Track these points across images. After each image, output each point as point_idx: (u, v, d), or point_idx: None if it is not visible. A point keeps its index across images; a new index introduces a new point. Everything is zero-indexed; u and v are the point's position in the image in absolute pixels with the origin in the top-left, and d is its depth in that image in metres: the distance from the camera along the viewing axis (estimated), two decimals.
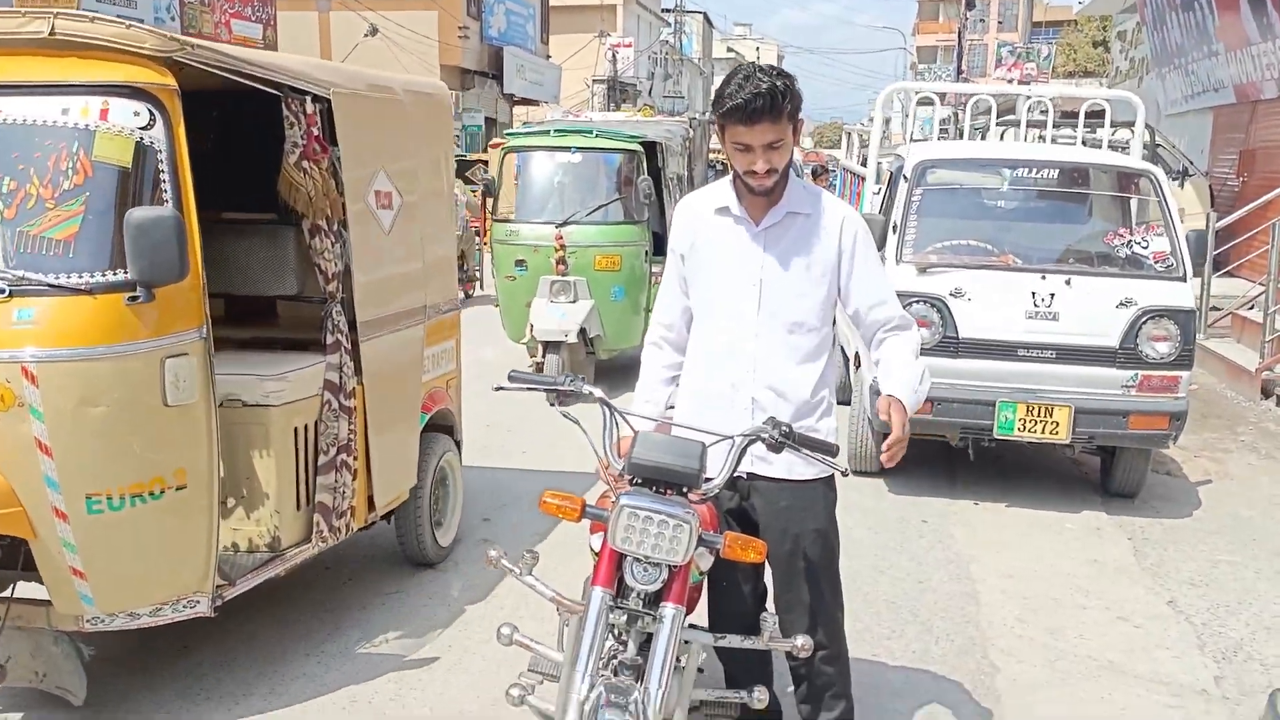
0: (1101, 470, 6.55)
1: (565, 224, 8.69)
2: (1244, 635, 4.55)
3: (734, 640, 2.95)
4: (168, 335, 3.26)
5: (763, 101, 2.77)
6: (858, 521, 5.51)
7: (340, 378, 4.02)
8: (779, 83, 2.80)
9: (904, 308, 5.99)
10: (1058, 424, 5.85)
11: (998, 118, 9.19)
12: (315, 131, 3.87)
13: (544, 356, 8.50)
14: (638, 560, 2.63)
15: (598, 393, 2.88)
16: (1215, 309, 10.99)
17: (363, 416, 4.20)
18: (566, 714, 2.56)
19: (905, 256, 6.12)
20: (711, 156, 16.64)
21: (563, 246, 8.61)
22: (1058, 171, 6.72)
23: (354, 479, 4.12)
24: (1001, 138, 10.18)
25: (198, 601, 3.42)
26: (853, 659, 3.35)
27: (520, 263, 8.87)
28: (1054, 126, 8.87)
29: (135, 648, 4.02)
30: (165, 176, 3.25)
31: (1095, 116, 8.51)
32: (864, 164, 10.16)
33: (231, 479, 3.81)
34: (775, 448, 2.75)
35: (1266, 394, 8.88)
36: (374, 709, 3.75)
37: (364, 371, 4.17)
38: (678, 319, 3.22)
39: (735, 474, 2.85)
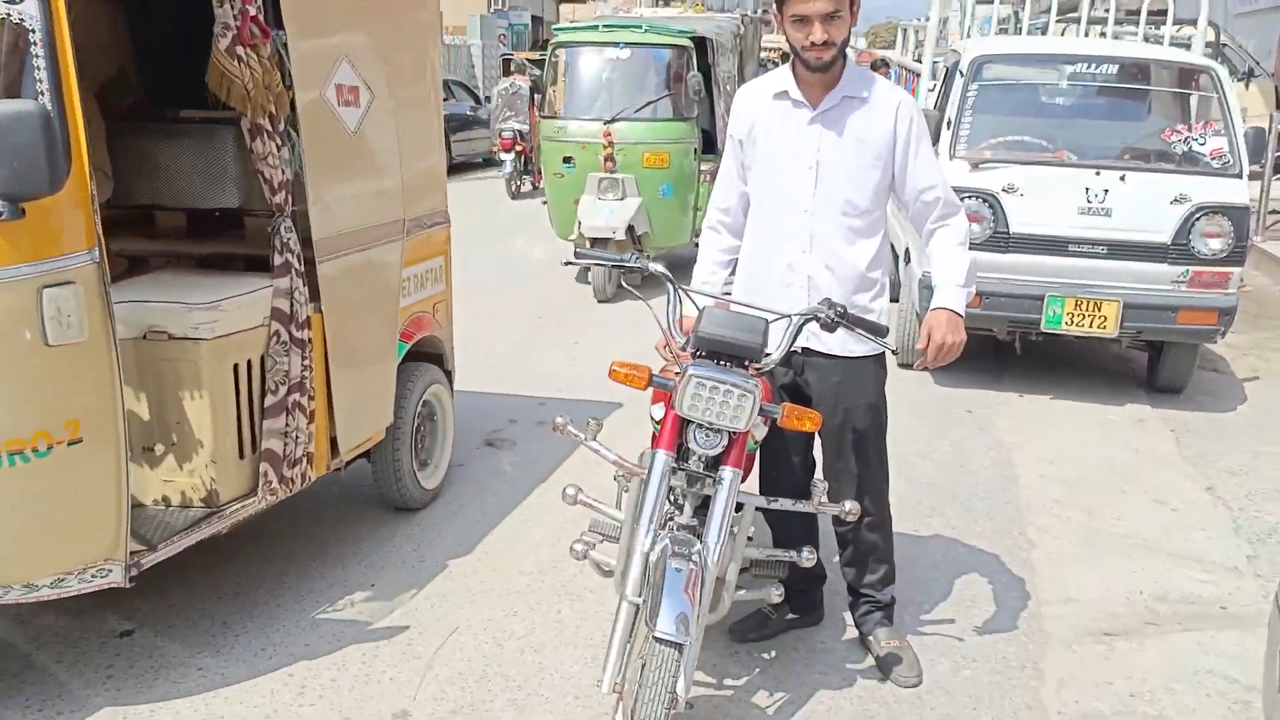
0: (1149, 365, 6.62)
1: (613, 120, 8.65)
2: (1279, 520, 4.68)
3: (785, 504, 3.12)
4: (45, 260, 2.68)
5: None
6: (903, 410, 5.57)
7: (291, 305, 3.44)
8: None
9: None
10: (1105, 318, 5.93)
11: (1059, 15, 9.05)
12: (252, 10, 3.26)
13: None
14: (700, 427, 2.78)
15: (662, 269, 3.00)
16: (1273, 212, 10.86)
17: (321, 349, 3.64)
18: (630, 565, 2.74)
19: (959, 152, 6.16)
20: (763, 55, 16.27)
21: (611, 143, 8.56)
22: (1116, 67, 6.66)
23: (310, 422, 3.57)
24: (1063, 34, 10.02)
25: (109, 570, 2.94)
26: (895, 533, 3.53)
27: (568, 159, 8.84)
28: (1116, 23, 8.72)
29: (64, 612, 3.58)
30: (40, 63, 2.65)
31: (1159, 14, 8.36)
32: (919, 60, 10.06)
33: (160, 424, 3.33)
34: (829, 327, 2.89)
35: None
36: (329, 686, 3.23)
37: (323, 297, 3.61)
38: (735, 204, 3.34)
39: (791, 350, 2.98)
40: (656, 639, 2.49)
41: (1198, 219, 5.82)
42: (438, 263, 4.52)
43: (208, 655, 3.38)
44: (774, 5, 3.06)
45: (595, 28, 9.33)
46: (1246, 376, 6.88)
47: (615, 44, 8.89)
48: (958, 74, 6.50)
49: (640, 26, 9.12)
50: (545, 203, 9.23)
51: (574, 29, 9.59)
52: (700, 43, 9.24)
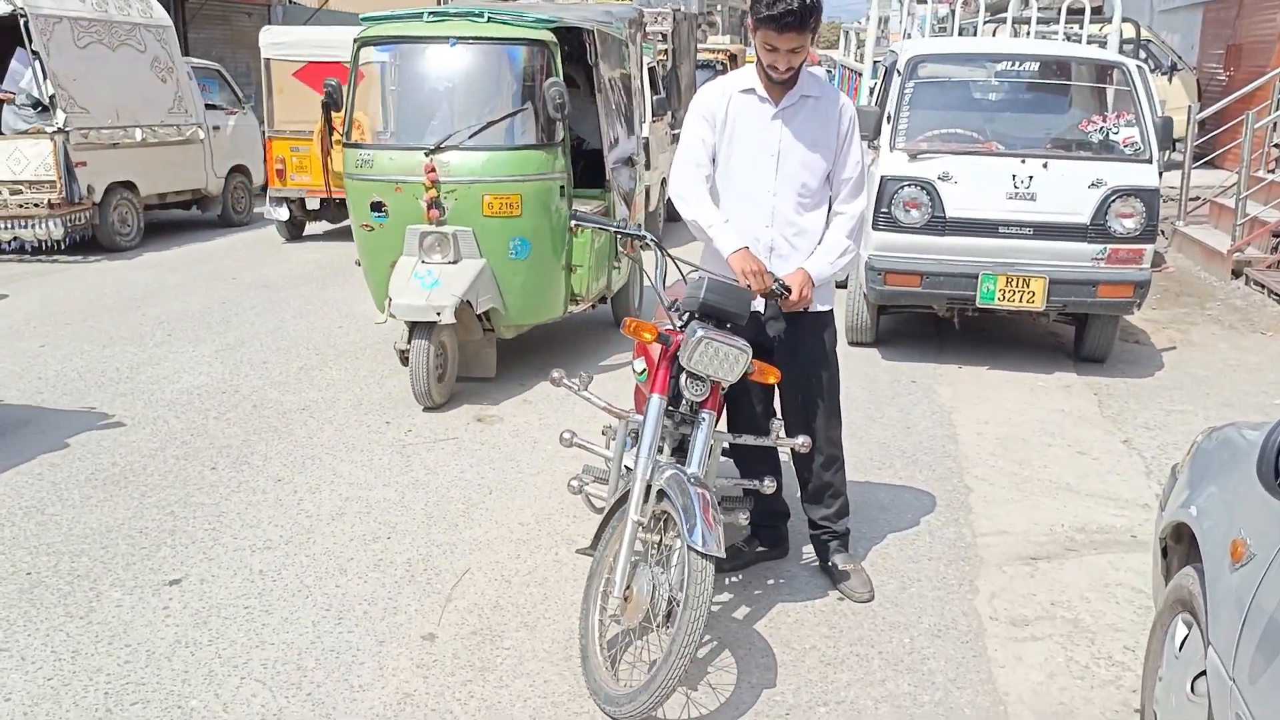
0: (1075, 338, 7.24)
1: (439, 150, 6.02)
2: None
3: (748, 439, 3.70)
4: None
5: (793, 18, 3.39)
6: (853, 382, 6.21)
7: None
8: (808, 0, 3.40)
9: (896, 190, 6.68)
10: (1034, 294, 6.53)
11: (988, 15, 9.69)
12: None
13: (410, 343, 5.86)
14: (693, 376, 3.31)
15: (653, 237, 3.59)
16: (1194, 198, 11.59)
17: None
18: (633, 488, 3.20)
19: (898, 144, 6.74)
20: (707, 57, 16.18)
21: (434, 183, 5.99)
22: (1038, 64, 7.30)
23: None
24: (993, 34, 10.68)
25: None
26: (848, 483, 4.07)
27: (379, 207, 6.15)
28: (1039, 23, 9.38)
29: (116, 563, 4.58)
30: None
31: (1078, 13, 9.03)
32: (861, 60, 10.65)
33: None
34: (772, 296, 3.58)
35: (1236, 274, 9.54)
36: (362, 617, 4.41)
37: None
38: (706, 160, 3.71)
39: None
40: (699, 553, 2.96)
41: (1113, 201, 6.44)
42: None
43: (251, 599, 3.85)
44: (749, 18, 3.53)
45: (419, 16, 6.40)
46: (1165, 347, 7.53)
47: (443, 40, 6.29)
48: (895, 72, 7.09)
49: (481, 14, 6.31)
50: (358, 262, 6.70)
51: (385, 20, 6.46)
52: (574, 37, 6.97)
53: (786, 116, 3.67)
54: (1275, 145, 11.32)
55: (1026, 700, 3.31)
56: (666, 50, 12.83)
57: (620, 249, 3.50)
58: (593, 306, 7.20)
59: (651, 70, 11.12)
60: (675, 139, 9.81)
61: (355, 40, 6.49)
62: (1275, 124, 11.12)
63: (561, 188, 6.33)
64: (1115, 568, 4.19)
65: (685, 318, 3.39)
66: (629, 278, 7.76)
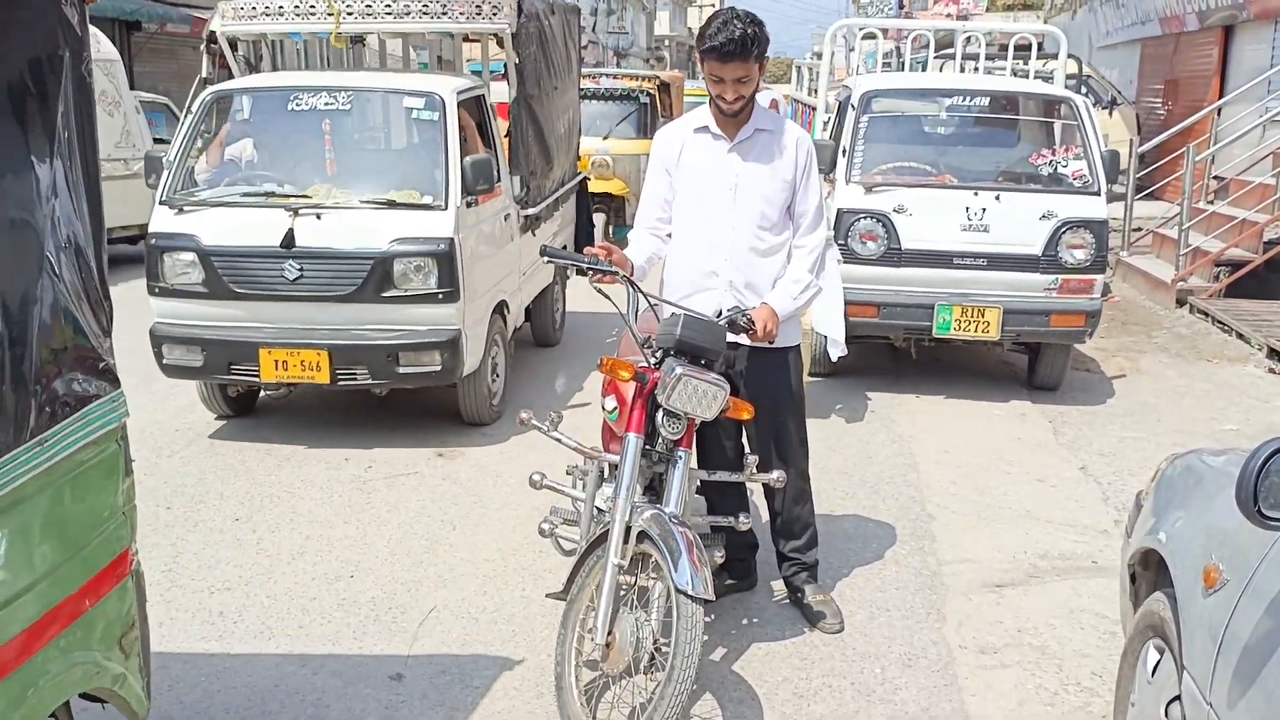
0: (1029, 366, 7.33)
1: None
2: None
3: (722, 475, 3.68)
4: None
5: (734, 46, 3.40)
6: (814, 411, 6.17)
7: None
8: (750, 29, 3.42)
9: (853, 222, 6.75)
10: (989, 323, 6.62)
11: (936, 51, 9.87)
12: None
13: None
14: (669, 414, 3.27)
15: (626, 274, 3.48)
16: (1137, 229, 11.85)
17: None
18: (612, 529, 3.11)
19: (853, 177, 6.81)
20: (627, 85, 12.54)
21: None
22: (988, 99, 7.43)
23: None
24: (941, 69, 10.88)
25: None
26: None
27: None
28: (987, 59, 9.57)
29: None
30: None
31: (1024, 49, 9.23)
32: (812, 95, 10.80)
33: None
34: (736, 329, 3.51)
35: (1181, 303, 9.75)
36: (328, 658, 4.32)
37: None
38: (660, 215, 3.79)
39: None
40: (688, 596, 2.93)
41: (1064, 232, 6.56)
42: None
43: (211, 641, 3.76)
44: (695, 51, 3.61)
45: None
46: (1115, 374, 7.66)
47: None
48: (850, 107, 7.18)
49: None
50: None
51: None
52: None
53: (742, 150, 3.68)
54: (1215, 178, 11.62)
55: None
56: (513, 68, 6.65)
57: (591, 284, 3.42)
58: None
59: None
60: (534, 224, 6.98)
61: None
62: (1214, 157, 11.42)
63: None
64: (1078, 593, 4.24)
65: (660, 355, 3.35)
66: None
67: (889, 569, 4.40)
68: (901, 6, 42.46)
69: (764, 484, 3.72)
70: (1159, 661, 2.70)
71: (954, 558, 4.52)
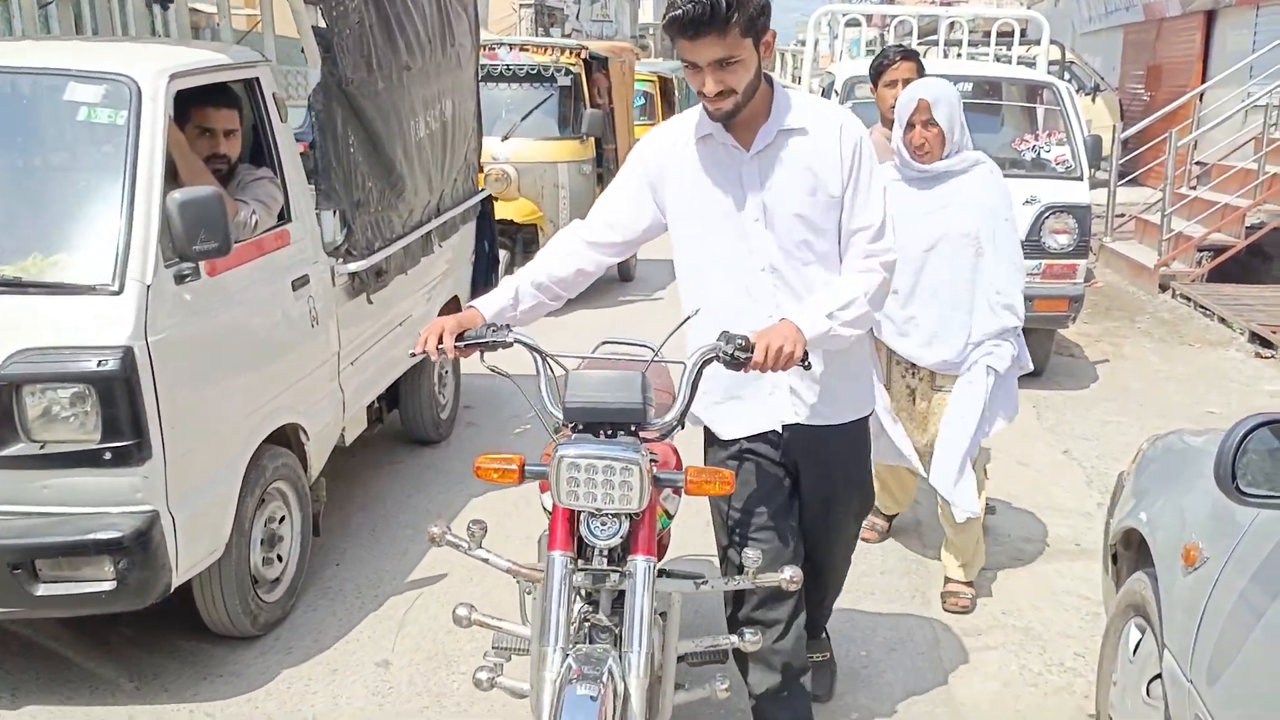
0: None
1: None
2: None
3: (717, 584, 2.66)
4: None
5: (701, 10, 2.30)
6: None
7: None
8: None
9: None
10: None
11: (919, 38, 9.88)
12: None
13: None
14: (594, 515, 2.36)
15: (523, 338, 2.51)
16: (1120, 215, 11.90)
17: None
18: (542, 695, 2.29)
19: None
20: (532, 58, 8.86)
21: None
22: (971, 85, 7.44)
23: None
24: (925, 55, 10.88)
25: None
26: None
27: None
28: (970, 45, 9.59)
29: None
30: None
31: (1008, 35, 9.24)
32: (796, 82, 10.79)
33: None
34: (733, 364, 2.39)
35: (1163, 288, 9.80)
36: (312, 646, 3.76)
37: None
38: (608, 219, 2.73)
39: (771, 428, 2.69)
40: None
41: (1047, 217, 6.58)
42: None
43: (199, 630, 3.74)
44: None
45: None
46: (1098, 359, 7.69)
47: None
48: (833, 94, 7.19)
49: None
50: None
51: None
52: None
53: (766, 162, 2.58)
54: (1197, 163, 11.68)
55: (984, 710, 3.34)
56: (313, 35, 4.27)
57: (483, 360, 2.59)
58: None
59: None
60: (373, 284, 4.43)
61: None
62: (1196, 142, 11.47)
63: None
64: (1062, 575, 4.27)
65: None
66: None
67: (874, 552, 4.41)
68: None
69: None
70: (1140, 641, 2.72)
71: (939, 543, 4.53)
